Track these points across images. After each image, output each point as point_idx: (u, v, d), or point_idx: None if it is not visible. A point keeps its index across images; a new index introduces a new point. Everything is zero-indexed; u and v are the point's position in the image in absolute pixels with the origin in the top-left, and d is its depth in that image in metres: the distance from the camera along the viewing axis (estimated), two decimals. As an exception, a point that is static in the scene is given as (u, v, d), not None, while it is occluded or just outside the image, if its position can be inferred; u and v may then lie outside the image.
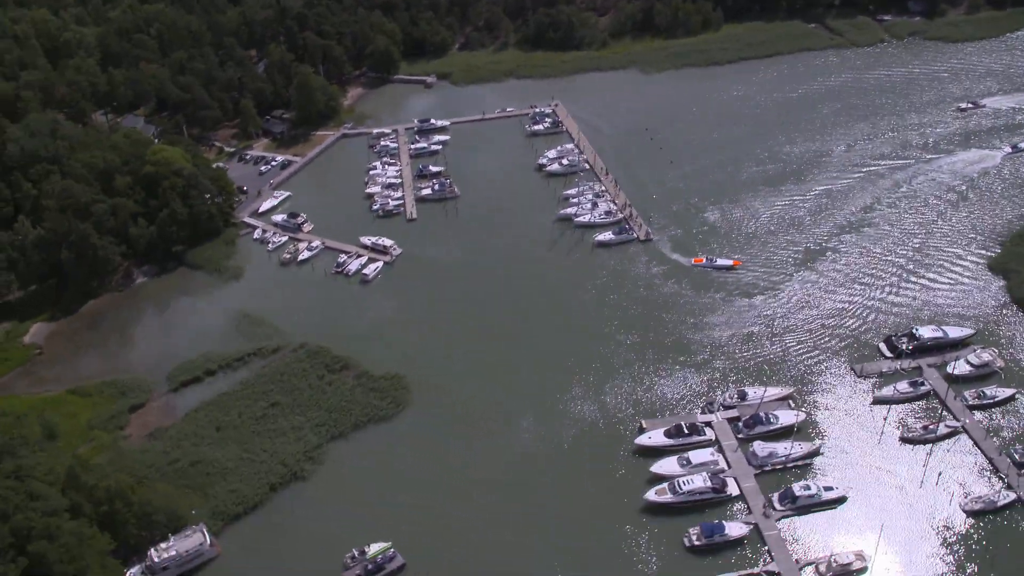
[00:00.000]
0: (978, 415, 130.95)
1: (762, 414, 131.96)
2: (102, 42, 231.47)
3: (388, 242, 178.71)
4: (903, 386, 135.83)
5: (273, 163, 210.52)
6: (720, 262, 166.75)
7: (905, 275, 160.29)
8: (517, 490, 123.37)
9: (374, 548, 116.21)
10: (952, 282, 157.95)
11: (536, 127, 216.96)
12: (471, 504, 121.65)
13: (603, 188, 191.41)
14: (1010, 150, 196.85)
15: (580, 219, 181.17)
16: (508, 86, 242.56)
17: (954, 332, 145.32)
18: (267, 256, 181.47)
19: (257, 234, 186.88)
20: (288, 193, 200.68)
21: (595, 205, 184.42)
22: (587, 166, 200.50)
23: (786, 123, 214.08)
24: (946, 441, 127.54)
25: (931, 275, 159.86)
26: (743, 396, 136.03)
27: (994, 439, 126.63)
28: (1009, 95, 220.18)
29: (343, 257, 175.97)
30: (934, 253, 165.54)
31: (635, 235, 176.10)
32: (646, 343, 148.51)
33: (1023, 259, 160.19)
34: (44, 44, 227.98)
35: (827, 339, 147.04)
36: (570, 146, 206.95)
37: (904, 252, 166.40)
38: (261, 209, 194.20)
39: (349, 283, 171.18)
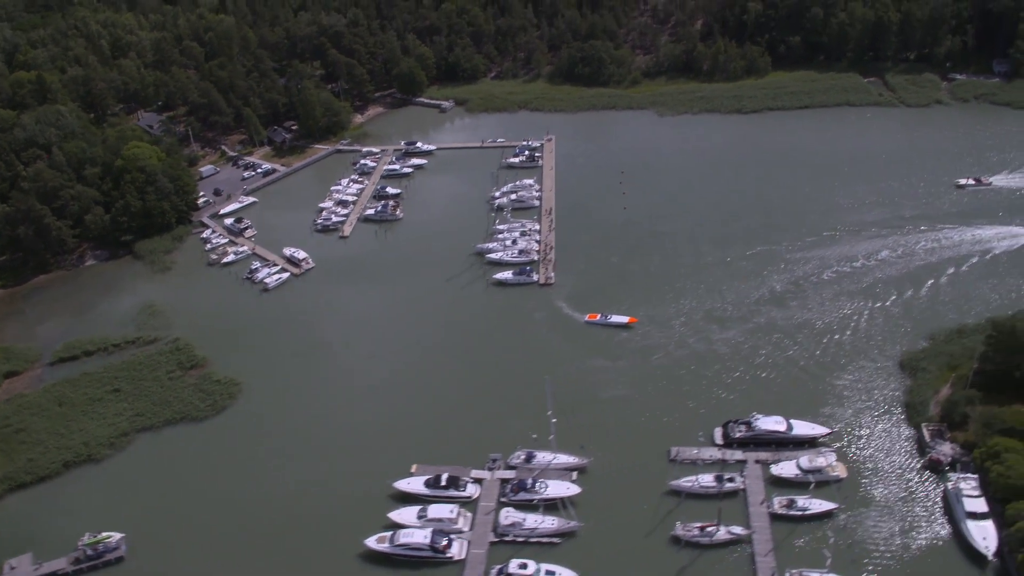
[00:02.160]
0: (780, 526, 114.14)
1: (530, 480, 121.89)
2: (157, 46, 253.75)
3: (302, 255, 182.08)
4: (706, 479, 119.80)
5: (258, 170, 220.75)
6: (615, 319, 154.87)
7: (805, 358, 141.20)
8: (263, 518, 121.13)
9: (102, 536, 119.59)
10: (850, 374, 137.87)
11: (513, 160, 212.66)
12: (217, 522, 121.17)
13: (536, 227, 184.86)
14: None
15: (492, 255, 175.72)
16: (518, 117, 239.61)
17: (802, 428, 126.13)
18: (201, 255, 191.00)
19: (206, 234, 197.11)
20: (255, 200, 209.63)
21: (515, 242, 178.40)
22: (536, 203, 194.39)
23: (769, 179, 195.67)
24: (724, 549, 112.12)
25: (833, 361, 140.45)
26: (529, 458, 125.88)
27: (772, 558, 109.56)
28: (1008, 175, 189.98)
29: (256, 264, 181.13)
30: (850, 338, 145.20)
31: (535, 279, 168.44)
32: (485, 386, 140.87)
33: (942, 360, 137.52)
34: (109, 44, 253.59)
35: (672, 414, 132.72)
36: (529, 181, 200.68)
37: (818, 331, 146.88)
38: (222, 211, 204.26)
39: (252, 290, 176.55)
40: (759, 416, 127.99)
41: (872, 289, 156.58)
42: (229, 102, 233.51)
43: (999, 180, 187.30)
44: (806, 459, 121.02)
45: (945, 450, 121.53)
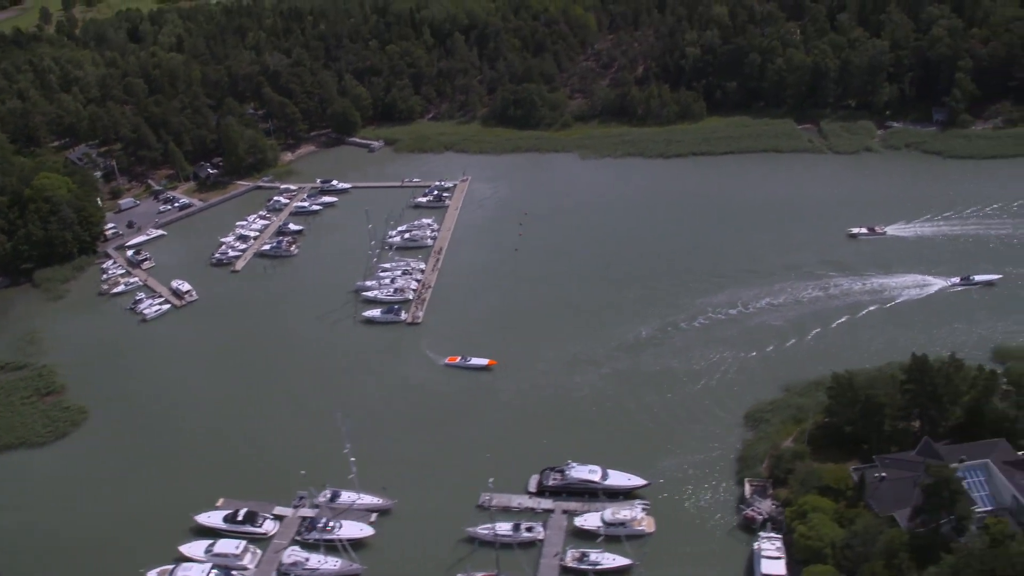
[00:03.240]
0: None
1: (323, 520, 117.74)
2: (101, 82, 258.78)
3: (187, 287, 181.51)
4: (504, 527, 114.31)
5: (175, 204, 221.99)
6: (475, 361, 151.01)
7: (658, 406, 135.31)
8: (55, 547, 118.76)
9: None
10: (697, 423, 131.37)
11: (420, 199, 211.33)
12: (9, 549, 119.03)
13: (421, 266, 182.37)
14: (958, 280, 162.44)
15: (367, 293, 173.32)
16: (443, 157, 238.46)
17: (618, 479, 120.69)
18: (97, 285, 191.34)
19: (106, 264, 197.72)
20: (163, 232, 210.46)
21: (393, 281, 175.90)
22: (430, 242, 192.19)
23: (671, 223, 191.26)
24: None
25: (683, 410, 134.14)
26: (334, 497, 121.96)
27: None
28: (931, 223, 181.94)
29: (141, 295, 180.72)
30: (708, 386, 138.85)
31: (403, 317, 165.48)
32: (321, 423, 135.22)
33: (789, 412, 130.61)
34: (58, 79, 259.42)
35: (501, 458, 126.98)
36: (427, 221, 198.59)
37: (678, 378, 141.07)
38: (129, 243, 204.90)
39: (132, 320, 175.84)
40: (574, 464, 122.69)
41: (745, 337, 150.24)
42: (160, 137, 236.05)
43: (894, 230, 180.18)
44: (610, 511, 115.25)
45: (763, 507, 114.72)
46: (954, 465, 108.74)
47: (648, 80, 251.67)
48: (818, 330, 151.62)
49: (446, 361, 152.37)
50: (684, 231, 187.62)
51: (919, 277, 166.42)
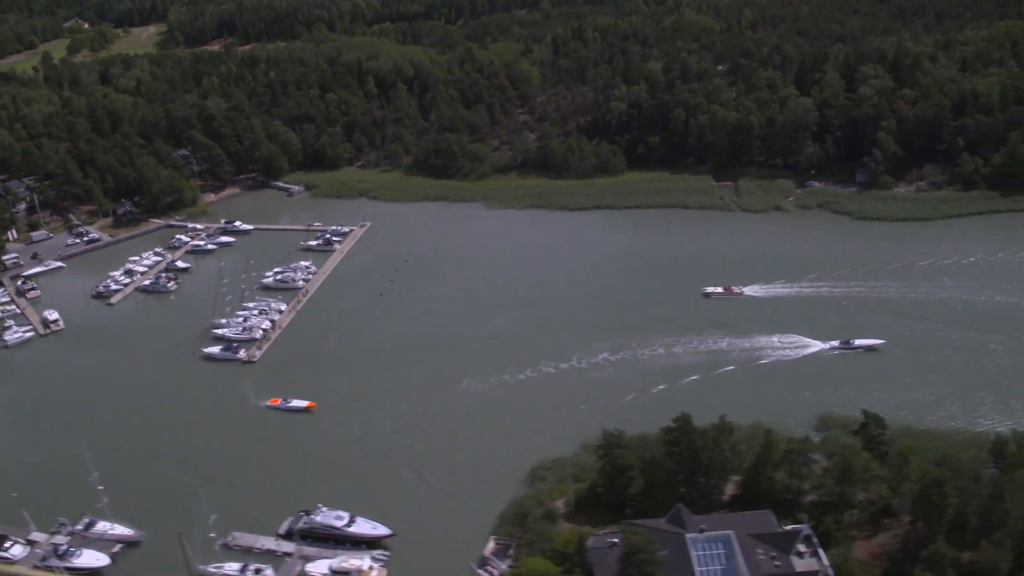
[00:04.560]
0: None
1: (64, 547, 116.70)
2: (46, 120, 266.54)
3: (54, 316, 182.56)
4: (233, 568, 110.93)
5: (84, 239, 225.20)
6: (295, 403, 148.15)
7: (454, 457, 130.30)
8: None
9: None
10: (481, 477, 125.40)
11: (311, 243, 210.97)
12: None
13: (282, 307, 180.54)
14: (838, 344, 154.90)
15: (217, 331, 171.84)
16: (356, 203, 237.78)
17: (363, 527, 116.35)
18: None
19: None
20: (62, 264, 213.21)
21: (246, 320, 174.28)
22: (301, 284, 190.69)
23: (540, 274, 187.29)
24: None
25: (477, 461, 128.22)
26: (89, 525, 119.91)
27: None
28: (806, 284, 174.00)
29: (10, 323, 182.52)
30: (513, 439, 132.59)
31: (241, 356, 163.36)
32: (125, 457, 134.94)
33: (571, 470, 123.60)
34: (9, 116, 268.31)
35: (265, 497, 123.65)
36: (305, 263, 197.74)
37: (487, 427, 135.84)
38: (25, 273, 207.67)
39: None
40: (323, 509, 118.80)
41: (575, 391, 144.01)
42: (87, 174, 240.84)
43: (752, 290, 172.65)
44: (339, 560, 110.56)
45: (499, 567, 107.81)
46: (692, 535, 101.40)
47: (571, 134, 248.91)
48: (663, 387, 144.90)
49: (267, 403, 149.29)
50: (547, 284, 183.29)
51: (796, 338, 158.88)
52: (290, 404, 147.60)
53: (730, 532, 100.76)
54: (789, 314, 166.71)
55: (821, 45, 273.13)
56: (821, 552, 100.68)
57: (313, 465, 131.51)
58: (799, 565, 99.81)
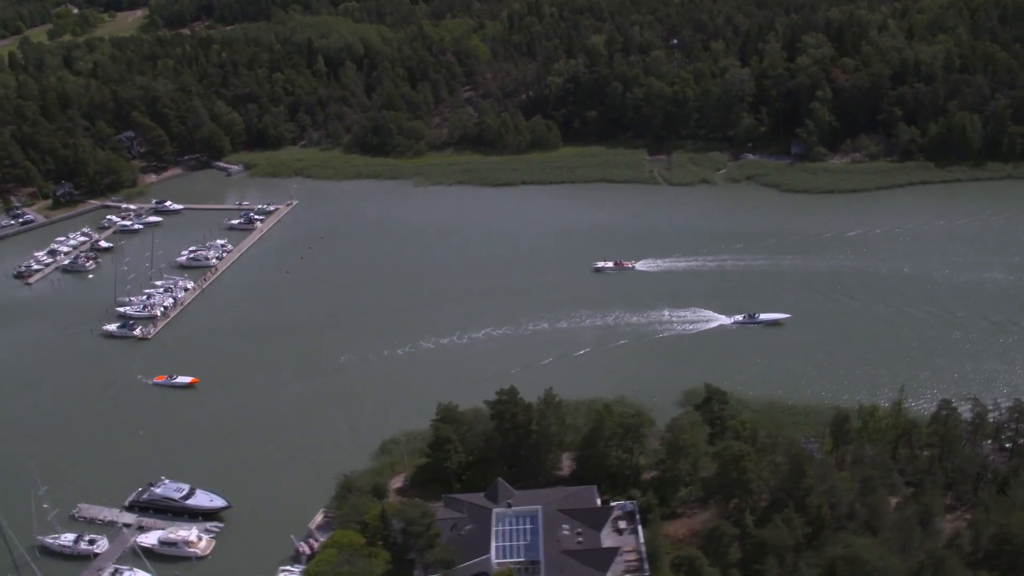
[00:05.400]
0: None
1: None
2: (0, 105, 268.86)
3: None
4: (68, 538, 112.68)
5: (20, 220, 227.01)
6: (179, 380, 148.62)
7: (306, 427, 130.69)
8: None
9: None
10: (334, 449, 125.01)
11: (233, 222, 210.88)
12: None
13: (189, 285, 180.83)
14: (743, 319, 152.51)
15: (120, 308, 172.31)
16: (290, 181, 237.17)
17: (201, 499, 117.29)
18: None
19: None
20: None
21: (150, 298, 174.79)
22: (214, 263, 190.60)
23: (439, 251, 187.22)
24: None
25: (325, 434, 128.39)
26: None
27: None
28: (688, 258, 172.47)
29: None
30: (370, 412, 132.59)
31: (136, 332, 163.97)
32: None
33: (418, 444, 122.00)
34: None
35: (126, 470, 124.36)
36: (220, 242, 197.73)
37: (353, 398, 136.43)
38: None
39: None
40: (165, 481, 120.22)
41: (441, 367, 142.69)
42: (28, 156, 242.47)
43: (643, 265, 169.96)
44: (168, 531, 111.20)
45: (321, 541, 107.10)
46: (499, 510, 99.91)
47: (508, 109, 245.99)
48: (549, 360, 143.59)
49: (154, 380, 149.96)
50: (444, 259, 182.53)
51: (701, 312, 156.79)
52: (175, 380, 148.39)
53: (538, 507, 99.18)
54: (694, 288, 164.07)
55: (772, 15, 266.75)
56: (640, 529, 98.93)
57: (179, 439, 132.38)
58: (609, 541, 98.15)
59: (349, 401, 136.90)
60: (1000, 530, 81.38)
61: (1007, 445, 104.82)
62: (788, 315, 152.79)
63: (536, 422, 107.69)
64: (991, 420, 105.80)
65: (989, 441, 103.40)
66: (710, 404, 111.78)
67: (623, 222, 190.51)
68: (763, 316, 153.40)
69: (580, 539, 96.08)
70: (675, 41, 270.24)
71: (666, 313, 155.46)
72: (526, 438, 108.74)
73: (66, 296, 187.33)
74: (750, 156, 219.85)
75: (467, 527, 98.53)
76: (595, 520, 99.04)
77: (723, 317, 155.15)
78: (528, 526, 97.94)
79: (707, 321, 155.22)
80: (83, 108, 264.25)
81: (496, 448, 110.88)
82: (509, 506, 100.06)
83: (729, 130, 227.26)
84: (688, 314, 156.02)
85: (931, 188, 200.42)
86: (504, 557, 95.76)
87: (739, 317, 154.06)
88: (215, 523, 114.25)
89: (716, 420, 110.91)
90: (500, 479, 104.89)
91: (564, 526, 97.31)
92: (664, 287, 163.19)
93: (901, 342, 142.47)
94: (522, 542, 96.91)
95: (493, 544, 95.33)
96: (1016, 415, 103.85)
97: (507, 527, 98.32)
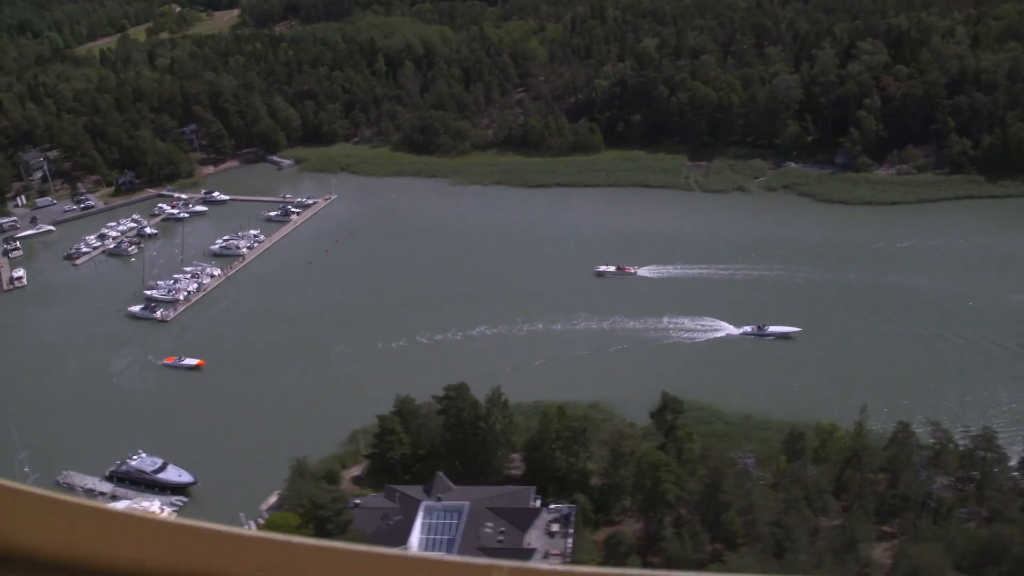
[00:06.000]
0: None
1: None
2: (76, 96, 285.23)
3: (20, 274, 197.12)
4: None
5: (82, 205, 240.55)
6: (187, 362, 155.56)
7: (296, 412, 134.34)
8: None
9: None
10: (319, 432, 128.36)
11: (273, 214, 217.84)
12: None
13: (215, 272, 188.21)
14: (751, 330, 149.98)
15: (148, 292, 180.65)
16: (337, 177, 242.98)
17: (171, 474, 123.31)
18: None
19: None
20: (52, 228, 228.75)
21: (176, 282, 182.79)
22: (244, 252, 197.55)
23: (458, 250, 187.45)
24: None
25: (312, 417, 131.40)
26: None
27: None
28: (698, 265, 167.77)
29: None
30: (358, 402, 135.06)
31: (157, 315, 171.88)
32: None
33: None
34: (47, 91, 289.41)
35: (115, 448, 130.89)
36: (254, 232, 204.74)
37: (339, 392, 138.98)
38: (17, 235, 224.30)
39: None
40: (141, 454, 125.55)
41: (431, 361, 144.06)
42: (97, 147, 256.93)
43: (646, 271, 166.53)
44: (133, 502, 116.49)
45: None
46: (428, 503, 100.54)
47: (553, 112, 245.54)
48: (540, 362, 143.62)
49: (164, 361, 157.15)
50: (456, 259, 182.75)
51: (710, 322, 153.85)
52: (182, 362, 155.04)
53: (465, 503, 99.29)
54: (702, 296, 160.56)
55: (835, 21, 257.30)
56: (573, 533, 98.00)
57: (171, 417, 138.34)
58: (538, 543, 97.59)
59: (333, 391, 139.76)
60: (912, 563, 76.81)
61: (972, 474, 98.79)
62: (798, 329, 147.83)
63: (483, 420, 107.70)
64: (957, 448, 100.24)
65: (941, 473, 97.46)
66: (663, 413, 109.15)
67: (644, 228, 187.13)
68: (772, 329, 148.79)
69: (501, 538, 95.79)
70: (733, 47, 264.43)
71: (666, 320, 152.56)
72: (473, 435, 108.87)
73: (106, 279, 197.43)
74: (792, 165, 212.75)
75: (396, 518, 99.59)
76: (522, 520, 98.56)
77: (731, 327, 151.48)
78: (455, 521, 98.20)
79: (714, 331, 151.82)
80: (152, 102, 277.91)
81: (445, 443, 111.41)
82: (439, 500, 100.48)
83: (775, 138, 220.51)
84: (693, 323, 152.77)
85: (978, 203, 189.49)
86: (426, 550, 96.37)
87: (748, 328, 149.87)
88: (180, 497, 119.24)
89: (670, 430, 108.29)
90: (440, 473, 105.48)
91: (488, 524, 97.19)
92: (668, 294, 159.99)
93: (909, 362, 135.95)
94: (445, 536, 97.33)
95: (413, 536, 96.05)
96: (982, 444, 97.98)
97: (433, 520, 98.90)
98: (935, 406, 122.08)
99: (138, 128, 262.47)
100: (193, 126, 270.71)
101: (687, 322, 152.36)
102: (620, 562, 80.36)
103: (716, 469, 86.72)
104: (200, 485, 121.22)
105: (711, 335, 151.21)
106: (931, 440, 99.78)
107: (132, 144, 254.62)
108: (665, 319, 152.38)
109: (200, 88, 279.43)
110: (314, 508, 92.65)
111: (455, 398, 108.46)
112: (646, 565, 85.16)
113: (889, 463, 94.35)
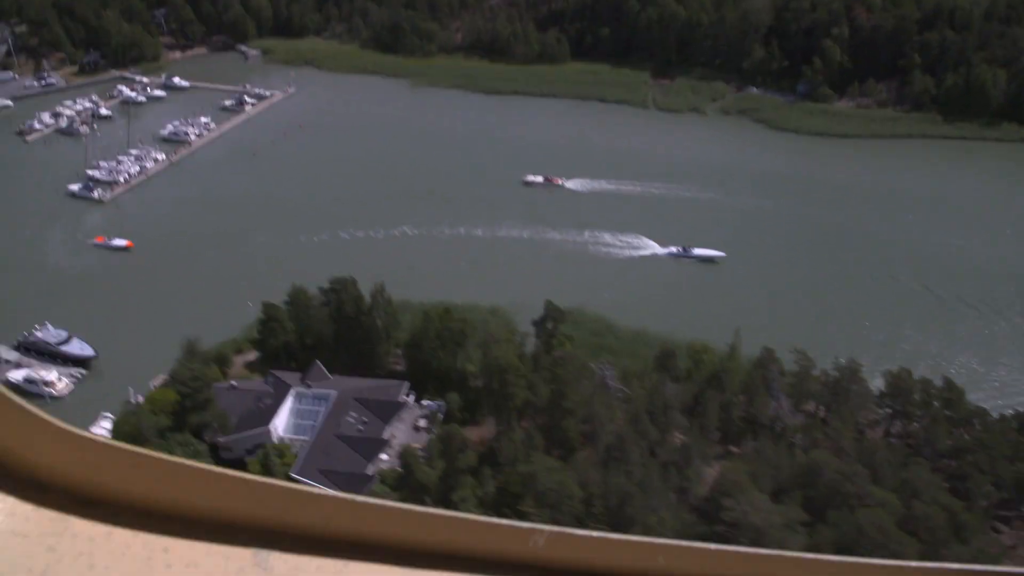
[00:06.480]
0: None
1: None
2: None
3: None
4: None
5: (43, 83, 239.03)
6: (116, 242, 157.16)
7: (183, 298, 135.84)
8: None
9: None
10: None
11: (228, 103, 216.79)
12: None
13: (160, 156, 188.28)
14: (676, 251, 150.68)
15: (90, 171, 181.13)
16: (300, 71, 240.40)
17: (73, 347, 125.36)
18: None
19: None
20: (8, 103, 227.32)
21: (120, 163, 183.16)
22: (192, 138, 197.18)
23: (403, 150, 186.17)
24: None
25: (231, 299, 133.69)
26: None
27: None
28: (631, 182, 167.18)
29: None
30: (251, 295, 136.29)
31: (94, 195, 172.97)
32: None
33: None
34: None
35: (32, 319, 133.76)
36: (205, 120, 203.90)
37: (265, 279, 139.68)
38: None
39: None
40: (48, 327, 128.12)
41: (348, 256, 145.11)
42: (64, 24, 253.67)
43: (573, 184, 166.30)
44: (32, 371, 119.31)
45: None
46: (299, 389, 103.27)
47: (524, 20, 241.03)
48: (467, 263, 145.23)
49: (94, 240, 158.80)
50: (395, 159, 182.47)
51: (637, 239, 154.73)
52: (112, 243, 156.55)
53: (333, 391, 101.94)
54: (635, 214, 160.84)
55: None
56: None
57: (90, 293, 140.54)
58: (402, 436, 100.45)
59: (248, 279, 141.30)
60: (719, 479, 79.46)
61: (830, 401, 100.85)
62: (723, 254, 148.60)
63: (365, 314, 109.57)
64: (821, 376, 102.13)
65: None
66: (544, 322, 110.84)
67: (589, 141, 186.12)
68: (696, 251, 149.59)
69: (361, 428, 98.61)
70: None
71: (587, 234, 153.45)
72: (357, 328, 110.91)
73: (53, 156, 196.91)
74: (754, 90, 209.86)
75: (267, 401, 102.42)
76: (386, 413, 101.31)
77: (656, 246, 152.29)
78: (319, 408, 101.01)
79: (639, 248, 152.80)
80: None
81: (331, 335, 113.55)
82: (309, 387, 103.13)
83: (742, 61, 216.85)
84: (616, 238, 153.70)
85: (931, 143, 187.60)
86: (292, 433, 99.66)
87: (673, 249, 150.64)
88: (80, 369, 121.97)
89: (549, 339, 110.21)
90: (317, 362, 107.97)
91: (352, 413, 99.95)
92: (597, 208, 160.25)
93: (821, 295, 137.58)
94: (309, 422, 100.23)
95: (279, 419, 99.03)
96: (845, 374, 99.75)
97: (302, 406, 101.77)
98: (832, 338, 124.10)
99: (107, 7, 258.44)
100: (164, 9, 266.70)
101: (609, 237, 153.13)
102: (453, 457, 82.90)
103: (561, 376, 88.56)
104: (100, 359, 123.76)
105: (636, 252, 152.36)
106: (796, 367, 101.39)
107: (98, 24, 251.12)
108: (587, 233, 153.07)
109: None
110: (176, 384, 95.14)
111: (339, 291, 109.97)
112: (480, 461, 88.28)
113: (744, 387, 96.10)
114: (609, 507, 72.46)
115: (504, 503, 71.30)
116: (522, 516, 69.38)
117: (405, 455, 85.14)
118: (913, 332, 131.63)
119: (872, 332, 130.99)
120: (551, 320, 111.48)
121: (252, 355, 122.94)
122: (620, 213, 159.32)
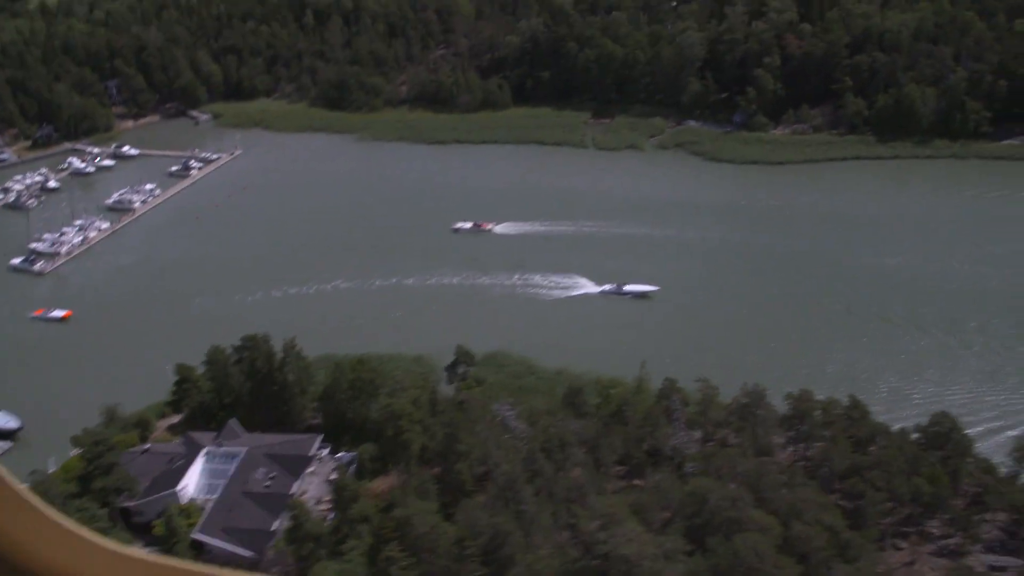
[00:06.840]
0: None
1: None
2: (3, 49, 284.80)
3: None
4: None
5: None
6: (54, 313, 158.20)
7: (116, 366, 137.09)
8: None
9: None
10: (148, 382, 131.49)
11: (174, 168, 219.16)
12: None
13: (104, 225, 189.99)
14: (610, 288, 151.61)
15: (33, 244, 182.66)
16: (249, 132, 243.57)
17: (1, 421, 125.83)
18: None
19: None
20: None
21: (62, 234, 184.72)
22: (137, 205, 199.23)
23: (345, 205, 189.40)
24: None
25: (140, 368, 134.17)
26: None
27: None
28: (567, 222, 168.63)
29: None
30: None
31: (36, 268, 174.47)
32: None
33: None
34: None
35: None
36: (150, 186, 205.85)
37: (177, 345, 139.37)
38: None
39: None
40: None
41: (282, 314, 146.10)
42: (16, 100, 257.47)
43: (503, 228, 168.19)
44: None
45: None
46: (209, 448, 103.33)
47: (467, 70, 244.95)
48: (400, 313, 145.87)
49: (33, 313, 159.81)
50: (331, 213, 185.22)
51: (571, 279, 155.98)
52: (51, 314, 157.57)
53: (242, 449, 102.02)
54: (570, 254, 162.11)
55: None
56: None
57: (22, 366, 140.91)
58: (315, 491, 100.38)
59: (183, 341, 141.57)
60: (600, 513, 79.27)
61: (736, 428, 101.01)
62: (656, 288, 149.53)
63: (277, 371, 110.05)
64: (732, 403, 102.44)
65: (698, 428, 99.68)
66: (455, 366, 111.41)
67: (526, 184, 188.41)
68: (629, 287, 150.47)
69: (268, 484, 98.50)
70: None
71: (516, 277, 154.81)
72: (270, 385, 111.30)
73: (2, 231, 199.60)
74: (692, 123, 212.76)
75: (180, 462, 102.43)
76: (296, 467, 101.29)
77: (591, 284, 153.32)
78: (228, 466, 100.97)
79: (573, 288, 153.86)
80: (79, 55, 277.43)
81: (245, 392, 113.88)
82: (220, 446, 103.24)
83: (680, 96, 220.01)
84: (549, 280, 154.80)
85: (864, 164, 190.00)
86: (204, 493, 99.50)
87: (607, 287, 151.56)
88: (6, 442, 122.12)
89: (462, 382, 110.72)
90: (233, 420, 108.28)
91: (261, 470, 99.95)
92: (529, 251, 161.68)
93: (751, 323, 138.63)
94: (221, 481, 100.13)
95: (190, 479, 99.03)
96: (751, 400, 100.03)
97: (213, 465, 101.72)
98: (757, 363, 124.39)
99: (59, 80, 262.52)
100: (116, 80, 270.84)
101: (540, 279, 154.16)
102: (346, 507, 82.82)
103: (455, 421, 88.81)
104: (26, 431, 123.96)
105: (568, 292, 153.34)
106: (699, 396, 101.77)
107: (51, 97, 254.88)
108: (516, 276, 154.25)
109: (125, 42, 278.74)
110: (81, 453, 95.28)
111: (251, 348, 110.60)
112: (387, 509, 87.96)
113: (644, 420, 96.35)
114: (485, 548, 72.25)
115: (379, 550, 71.12)
116: (391, 561, 69.37)
117: (294, 508, 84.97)
118: (843, 352, 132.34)
119: (802, 355, 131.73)
120: (463, 364, 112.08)
121: (176, 418, 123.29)
122: (553, 254, 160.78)
